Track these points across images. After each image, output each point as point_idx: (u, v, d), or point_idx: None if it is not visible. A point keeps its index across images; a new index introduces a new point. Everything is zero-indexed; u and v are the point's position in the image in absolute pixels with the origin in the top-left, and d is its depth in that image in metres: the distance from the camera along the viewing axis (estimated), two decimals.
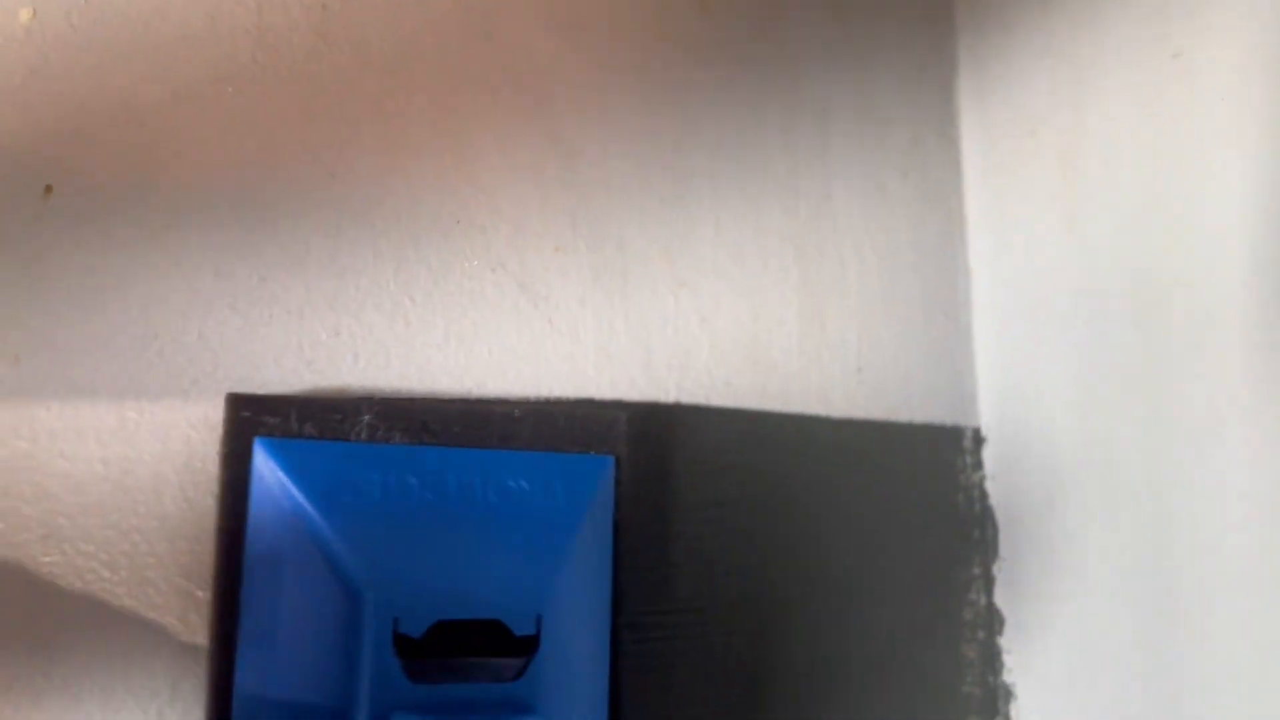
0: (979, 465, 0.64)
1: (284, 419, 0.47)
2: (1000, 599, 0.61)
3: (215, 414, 0.48)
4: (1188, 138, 0.54)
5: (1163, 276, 0.55)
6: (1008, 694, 0.60)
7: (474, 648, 0.45)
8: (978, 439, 0.64)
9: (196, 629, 0.45)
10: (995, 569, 0.62)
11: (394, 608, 0.43)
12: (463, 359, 0.54)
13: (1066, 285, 0.60)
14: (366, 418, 0.48)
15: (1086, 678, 0.57)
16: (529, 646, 0.45)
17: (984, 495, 0.63)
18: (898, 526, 0.61)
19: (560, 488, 0.50)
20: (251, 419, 0.47)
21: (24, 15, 0.48)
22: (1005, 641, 0.60)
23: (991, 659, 0.61)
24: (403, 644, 0.43)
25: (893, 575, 0.61)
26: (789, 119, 0.64)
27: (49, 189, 0.48)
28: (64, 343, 0.47)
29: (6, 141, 0.48)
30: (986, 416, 0.65)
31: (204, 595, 0.46)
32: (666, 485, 0.55)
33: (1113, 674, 0.56)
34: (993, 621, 0.61)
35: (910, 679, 0.60)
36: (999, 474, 0.64)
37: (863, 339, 0.63)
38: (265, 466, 0.46)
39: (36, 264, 0.48)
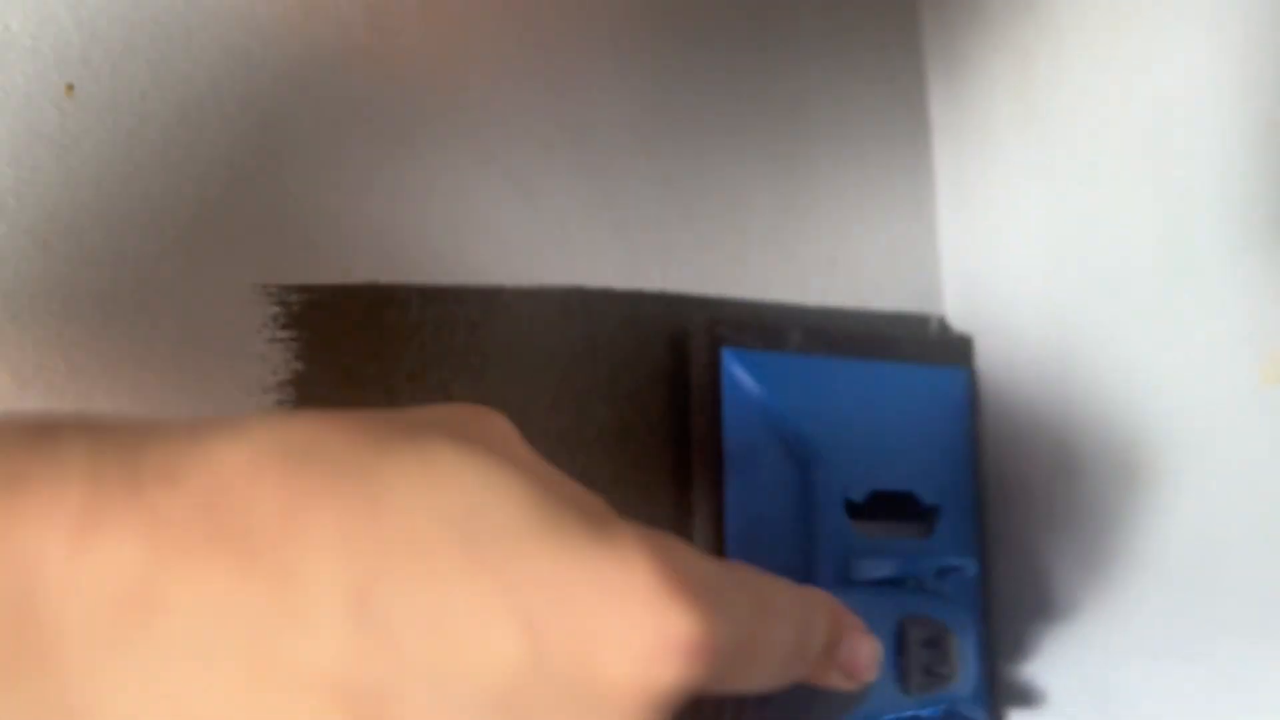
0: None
1: (738, 332, 0.59)
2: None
3: None
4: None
5: (1111, 154, 0.59)
6: None
7: (897, 513, 0.61)
8: (943, 326, 0.69)
9: None
10: None
11: (842, 481, 0.58)
12: (460, 251, 0.58)
13: (1025, 176, 0.64)
14: (796, 335, 0.60)
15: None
16: (934, 513, 0.61)
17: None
18: None
19: (943, 393, 0.64)
20: (720, 334, 0.59)
21: None
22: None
23: None
24: (850, 508, 0.58)
25: None
26: (760, 29, 0.67)
27: (70, 88, 0.52)
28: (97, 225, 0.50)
29: (28, 42, 0.51)
30: (951, 304, 0.69)
31: None
32: None
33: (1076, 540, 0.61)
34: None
35: None
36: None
37: (835, 232, 0.67)
38: (735, 372, 0.58)
39: (59, 160, 0.51)
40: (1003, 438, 0.66)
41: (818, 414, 0.58)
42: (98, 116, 0.52)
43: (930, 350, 0.65)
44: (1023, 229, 0.65)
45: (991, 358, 0.67)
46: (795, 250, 0.66)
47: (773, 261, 0.65)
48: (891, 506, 0.60)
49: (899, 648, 0.51)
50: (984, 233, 0.68)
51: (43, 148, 0.51)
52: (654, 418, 0.60)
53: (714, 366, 0.57)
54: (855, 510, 0.58)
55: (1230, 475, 0.55)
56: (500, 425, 0.35)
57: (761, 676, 0.35)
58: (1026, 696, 0.63)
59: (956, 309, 0.69)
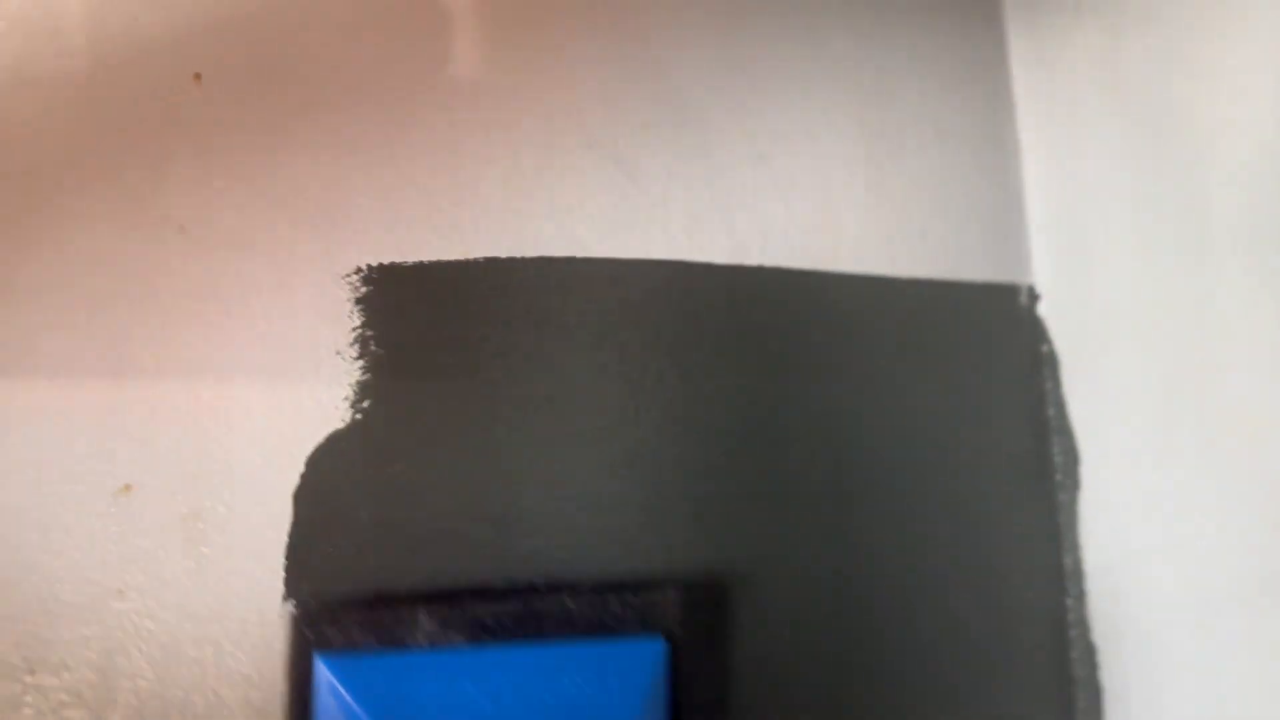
0: (1035, 319, 0.70)
1: (344, 630, 0.49)
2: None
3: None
4: None
5: (1204, 123, 0.60)
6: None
7: None
8: (1032, 295, 0.70)
9: None
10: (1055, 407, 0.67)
11: None
12: (571, 228, 0.59)
13: (1111, 146, 0.65)
14: (424, 621, 0.50)
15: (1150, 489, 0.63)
16: None
17: (1042, 341, 0.69)
18: (962, 373, 0.67)
19: (615, 679, 0.51)
20: (314, 634, 0.49)
21: None
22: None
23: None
24: None
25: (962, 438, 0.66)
26: (848, 6, 0.68)
27: (198, 76, 0.53)
28: (225, 212, 0.52)
29: (158, 32, 0.53)
30: (1040, 274, 0.70)
31: None
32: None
33: (1170, 494, 0.62)
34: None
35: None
36: (1053, 325, 0.69)
37: (924, 205, 0.68)
38: (326, 684, 0.47)
39: (191, 142, 0.53)
40: (1085, 399, 0.67)
41: None
42: (224, 104, 0.53)
43: (616, 618, 0.53)
44: (1111, 197, 0.66)
45: (1073, 323, 0.68)
46: (886, 223, 0.67)
47: (866, 235, 0.66)
48: None
49: None
50: (1072, 202, 0.69)
51: (174, 135, 0.52)
52: None
53: (305, 675, 0.48)
54: None
55: None
56: None
57: None
58: None
59: (1045, 278, 0.70)
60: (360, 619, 0.49)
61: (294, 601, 0.49)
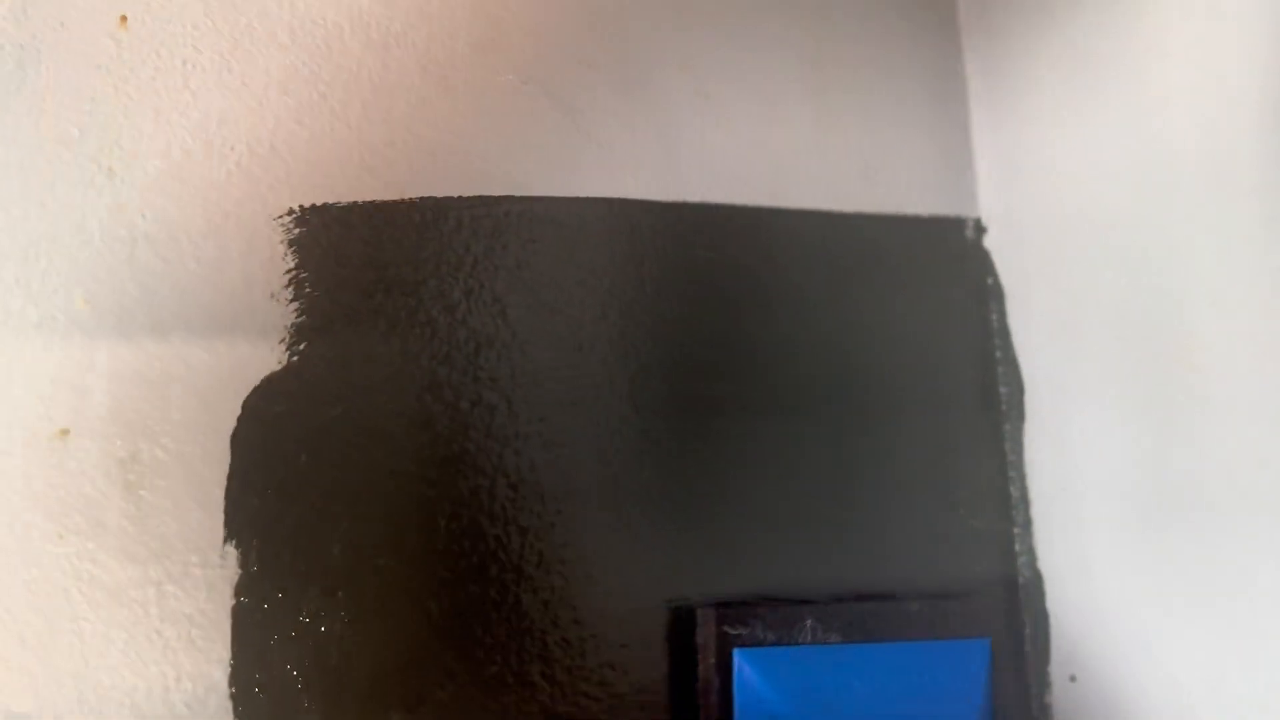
0: (982, 251, 0.70)
1: (751, 628, 0.57)
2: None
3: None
4: None
5: (1144, 55, 0.60)
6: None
7: None
8: (979, 228, 0.70)
9: None
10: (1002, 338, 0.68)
11: None
12: (509, 167, 0.59)
13: (1054, 77, 0.65)
14: (809, 622, 0.58)
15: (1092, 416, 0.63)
16: None
17: (988, 274, 0.69)
18: (910, 306, 0.67)
19: (956, 670, 0.60)
20: (730, 634, 0.56)
21: None
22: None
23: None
24: None
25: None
26: None
27: (124, 18, 0.53)
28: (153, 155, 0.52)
29: None
30: (985, 206, 0.70)
31: None
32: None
33: (1116, 423, 0.62)
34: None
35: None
36: (999, 257, 0.69)
37: (870, 140, 0.68)
38: (747, 675, 0.56)
39: (122, 85, 0.52)
40: (1030, 331, 0.68)
41: (833, 709, 0.56)
42: (151, 46, 0.53)
43: (951, 621, 0.63)
44: (1056, 128, 0.66)
45: (1019, 254, 0.68)
46: (832, 159, 0.67)
47: (811, 169, 0.66)
48: None
49: None
50: (1016, 135, 0.69)
51: (101, 78, 0.52)
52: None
53: (725, 669, 0.56)
54: None
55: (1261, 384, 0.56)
56: None
57: None
58: None
59: (991, 210, 0.70)
60: (763, 618, 0.57)
61: (712, 604, 0.57)
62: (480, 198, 0.58)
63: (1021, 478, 0.67)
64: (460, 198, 0.57)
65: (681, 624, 0.57)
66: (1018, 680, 0.65)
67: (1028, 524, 0.67)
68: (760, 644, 0.56)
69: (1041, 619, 0.66)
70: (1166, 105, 0.59)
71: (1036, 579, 0.66)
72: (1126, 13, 0.61)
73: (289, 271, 0.53)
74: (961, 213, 0.70)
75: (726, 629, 0.56)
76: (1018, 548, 0.67)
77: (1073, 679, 0.64)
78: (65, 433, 0.49)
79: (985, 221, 0.70)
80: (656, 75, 0.63)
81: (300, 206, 0.54)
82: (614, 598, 0.55)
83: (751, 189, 0.65)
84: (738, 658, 0.56)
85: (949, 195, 0.69)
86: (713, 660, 0.55)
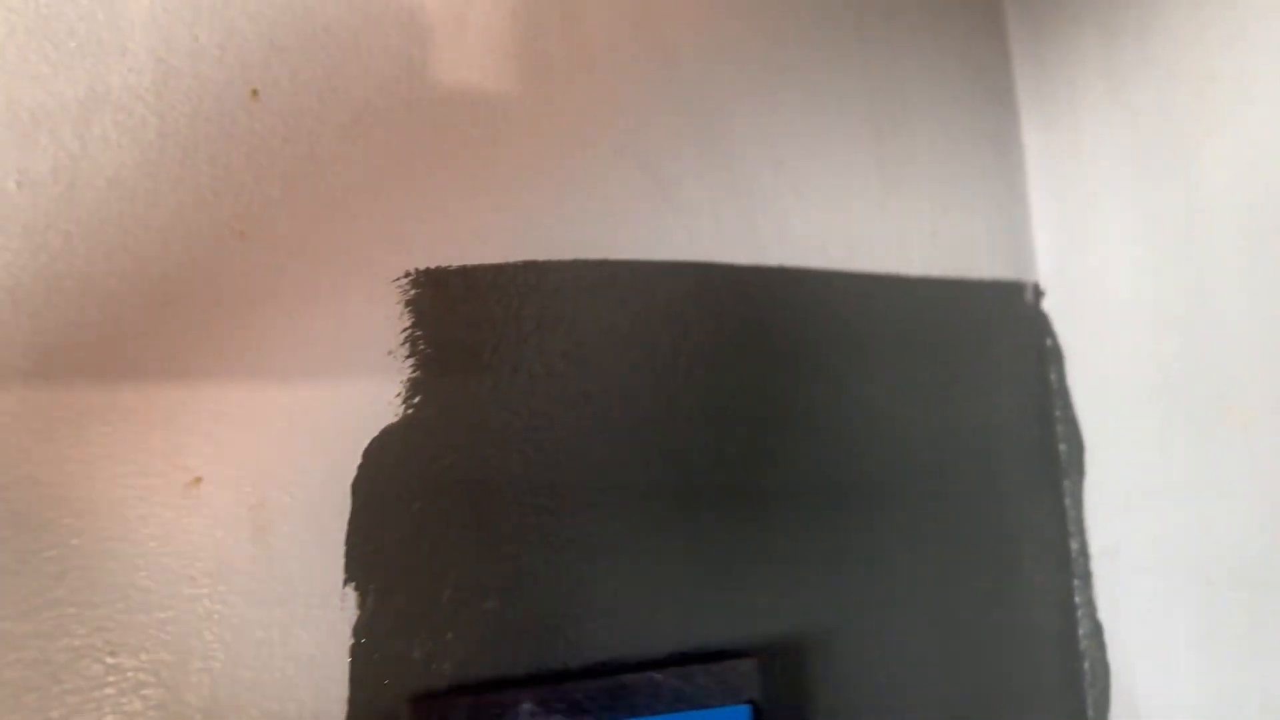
0: (1040, 314, 0.73)
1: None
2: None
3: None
4: None
5: (1199, 125, 0.64)
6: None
7: None
8: (1038, 291, 0.73)
9: None
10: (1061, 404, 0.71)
11: None
12: (603, 232, 0.63)
13: (1111, 148, 0.69)
14: (527, 706, 0.53)
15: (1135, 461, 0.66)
16: None
17: (1047, 335, 0.73)
18: (971, 367, 0.70)
19: None
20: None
21: None
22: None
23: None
24: None
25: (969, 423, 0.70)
26: (859, 18, 0.72)
27: (255, 92, 0.57)
28: (281, 219, 0.56)
29: (217, 52, 0.56)
30: (1044, 271, 0.74)
31: None
32: None
33: (1170, 479, 0.65)
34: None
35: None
36: (1058, 319, 0.73)
37: (934, 206, 0.72)
38: None
39: (249, 154, 0.56)
40: (1088, 391, 0.71)
41: None
42: (280, 118, 0.57)
43: (700, 691, 0.57)
44: (1110, 196, 0.70)
45: (1077, 317, 0.72)
46: (899, 224, 0.71)
47: (880, 234, 0.70)
48: None
49: None
50: (1073, 202, 0.72)
51: (234, 148, 0.56)
52: None
53: None
54: None
55: None
56: None
57: None
58: None
59: (1049, 275, 0.73)
60: (469, 708, 0.52)
61: (409, 698, 0.53)
62: (577, 261, 0.61)
63: (1081, 532, 0.70)
64: (559, 261, 0.61)
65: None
66: None
67: (1087, 577, 0.70)
68: None
69: (1101, 669, 0.68)
70: (1215, 179, 0.63)
71: (1096, 630, 0.69)
72: (1183, 94, 0.65)
73: (405, 330, 0.57)
74: (1021, 277, 0.73)
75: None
76: (1077, 599, 0.70)
77: None
78: (199, 480, 0.52)
79: (1044, 285, 0.73)
80: (738, 147, 0.67)
81: (415, 269, 0.58)
82: None
83: (824, 253, 0.68)
84: None
85: (1009, 260, 0.73)
86: None
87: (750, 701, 0.57)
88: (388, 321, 0.57)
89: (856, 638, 0.64)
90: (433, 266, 0.58)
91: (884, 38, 0.73)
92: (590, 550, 0.59)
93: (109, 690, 0.49)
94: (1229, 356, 0.63)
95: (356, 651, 0.53)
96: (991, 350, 0.72)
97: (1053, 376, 0.73)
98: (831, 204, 0.69)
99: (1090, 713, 0.69)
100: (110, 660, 0.50)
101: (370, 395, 0.56)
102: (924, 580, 0.67)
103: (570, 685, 0.54)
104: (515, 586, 0.57)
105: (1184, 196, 0.65)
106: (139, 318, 0.52)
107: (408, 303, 0.57)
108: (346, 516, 0.54)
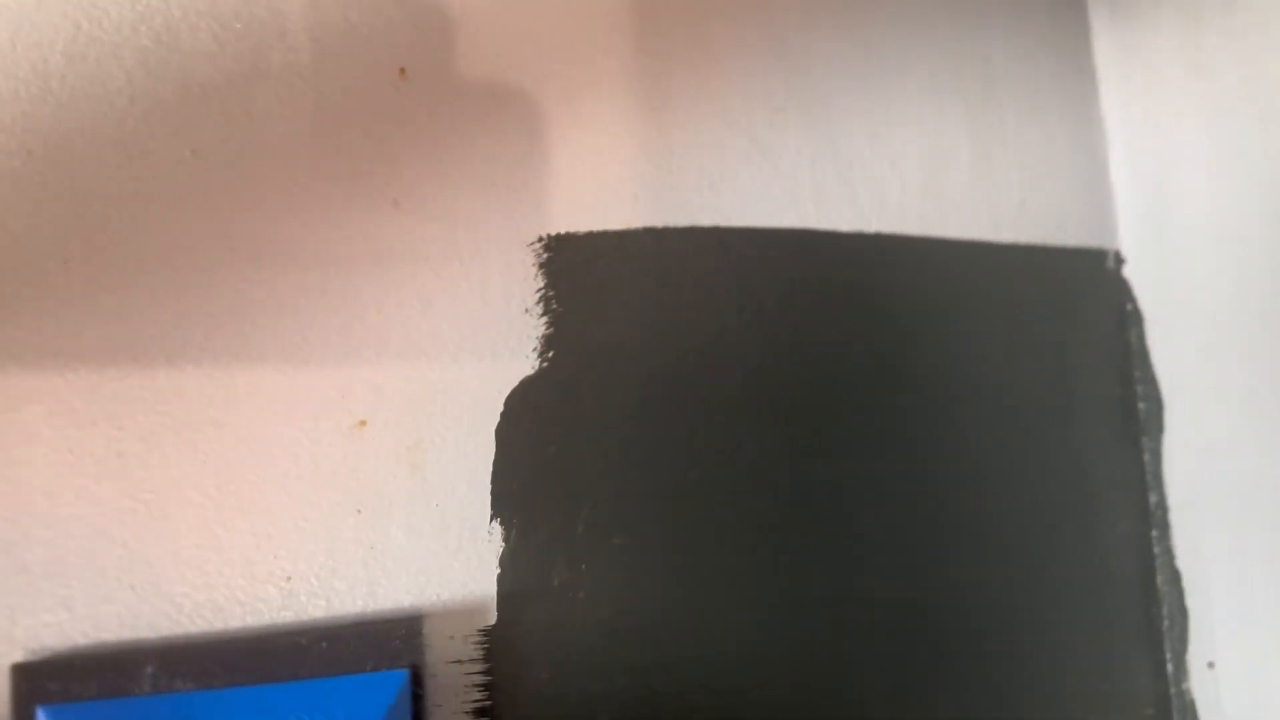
0: (1121, 280, 0.77)
1: (64, 683, 0.48)
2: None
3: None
4: None
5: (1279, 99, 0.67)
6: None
7: None
8: (1119, 259, 0.77)
9: None
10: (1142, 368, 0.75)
11: None
12: (714, 200, 0.67)
13: (1192, 118, 0.72)
14: (150, 669, 0.49)
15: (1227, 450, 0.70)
16: None
17: (1128, 300, 0.76)
18: (1056, 330, 0.74)
19: (346, 715, 0.51)
20: (33, 686, 0.47)
21: None
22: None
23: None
24: None
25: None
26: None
27: (402, 70, 0.62)
28: (429, 187, 0.61)
29: (367, 32, 0.61)
30: (1125, 239, 0.78)
31: None
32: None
33: (1248, 435, 0.69)
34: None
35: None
36: (1138, 284, 0.77)
37: (1022, 176, 0.76)
38: None
39: (398, 127, 0.61)
40: (1167, 352, 0.75)
41: None
42: (426, 94, 0.62)
43: (352, 655, 0.53)
44: (1192, 166, 0.73)
45: (1156, 282, 0.75)
46: (989, 193, 0.75)
47: (970, 204, 0.74)
48: None
49: None
50: (1154, 172, 0.76)
51: (385, 121, 0.61)
52: None
53: None
54: None
55: None
56: None
57: None
58: None
59: (1130, 243, 0.77)
60: (83, 672, 0.48)
61: (18, 656, 0.50)
62: (692, 228, 0.66)
63: (1160, 485, 0.74)
64: (675, 228, 0.66)
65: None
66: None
67: (1165, 528, 0.74)
68: (79, 698, 0.48)
69: (1179, 613, 0.72)
70: None
71: (1175, 577, 0.73)
72: (1268, 70, 0.68)
73: (539, 290, 0.62)
74: (1103, 244, 0.77)
75: (27, 685, 0.47)
76: (1156, 549, 0.74)
77: (1211, 666, 0.70)
78: (363, 424, 0.58)
79: (1124, 252, 0.77)
80: (837, 119, 0.71)
81: (547, 234, 0.62)
82: None
83: (920, 221, 0.72)
84: (41, 716, 0.47)
85: (1092, 229, 0.77)
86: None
87: (413, 664, 0.56)
88: (525, 282, 0.62)
89: (949, 583, 0.69)
90: (563, 232, 0.63)
91: (972, 16, 0.76)
92: (703, 498, 0.64)
93: (286, 614, 0.55)
94: None
95: (501, 580, 0.59)
96: (1074, 314, 0.76)
97: (1133, 339, 0.76)
98: (925, 174, 0.73)
99: (1169, 654, 0.73)
100: (286, 584, 0.55)
101: (510, 348, 0.61)
102: (1007, 532, 0.71)
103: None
104: (638, 525, 0.62)
105: (1265, 167, 0.68)
106: (306, 276, 0.58)
107: (541, 265, 0.62)
108: (491, 459, 0.59)
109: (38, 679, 0.48)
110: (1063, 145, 0.77)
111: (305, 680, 0.52)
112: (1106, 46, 0.79)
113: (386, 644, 0.55)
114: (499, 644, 0.58)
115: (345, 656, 0.54)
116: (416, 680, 0.56)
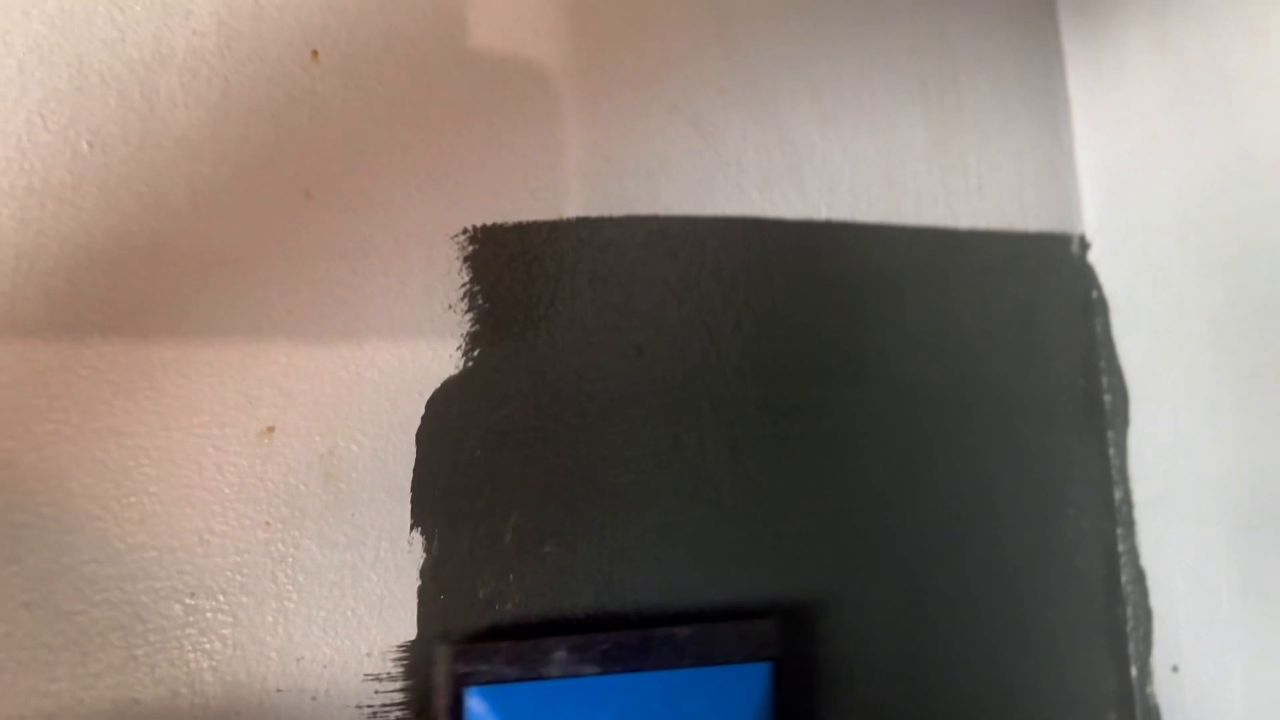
0: (1086, 266, 0.74)
1: (493, 665, 0.53)
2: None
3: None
4: None
5: (1245, 81, 0.64)
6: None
7: None
8: (1083, 244, 0.74)
9: None
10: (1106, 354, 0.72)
11: None
12: (653, 188, 0.64)
13: (1157, 100, 0.69)
14: (559, 654, 0.54)
15: (1190, 438, 0.67)
16: None
17: (1093, 287, 0.73)
18: (1018, 319, 0.71)
19: (726, 700, 0.56)
20: (467, 672, 0.53)
21: None
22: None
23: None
24: None
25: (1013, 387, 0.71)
26: None
27: (315, 53, 0.58)
28: (343, 178, 0.57)
29: (278, 14, 0.58)
30: (1090, 223, 0.74)
31: None
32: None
33: (1216, 429, 0.66)
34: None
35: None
36: (1103, 271, 0.73)
37: (981, 160, 0.72)
38: (480, 712, 0.53)
39: (311, 114, 0.58)
40: (1134, 342, 0.72)
41: None
42: (340, 78, 0.58)
43: (724, 646, 0.57)
44: (1159, 146, 0.70)
45: (1122, 269, 0.72)
46: (947, 179, 0.71)
47: (926, 189, 0.70)
48: None
49: None
50: (1119, 155, 0.72)
51: (296, 108, 0.57)
52: None
53: (456, 711, 0.52)
54: None
55: None
56: None
57: None
58: None
59: (1095, 228, 0.74)
60: (504, 654, 0.54)
61: (446, 641, 0.55)
62: (629, 217, 0.63)
63: (1125, 481, 0.71)
64: (610, 218, 0.62)
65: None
66: (810, 701, 0.62)
67: (1131, 525, 0.71)
68: (502, 681, 0.53)
69: (1144, 614, 0.69)
70: (1266, 132, 0.63)
71: (1139, 576, 0.70)
72: (1233, 47, 0.65)
73: (463, 285, 0.58)
74: (1067, 229, 0.73)
75: (461, 667, 0.53)
76: (1121, 547, 0.71)
77: (1175, 669, 0.67)
78: (271, 430, 0.54)
79: (1089, 237, 0.74)
80: (784, 102, 0.68)
81: (472, 226, 0.59)
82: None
83: (871, 207, 0.69)
84: (471, 698, 0.53)
85: (1055, 213, 0.74)
86: (446, 701, 0.53)
87: (771, 659, 0.58)
88: (447, 277, 0.58)
89: (905, 582, 0.66)
90: (489, 223, 0.60)
91: None
92: (640, 500, 0.61)
93: (190, 630, 0.52)
94: (1277, 307, 0.63)
95: (423, 592, 0.56)
96: (1037, 302, 0.73)
97: (1098, 328, 0.73)
98: (879, 159, 0.70)
99: (1133, 654, 0.70)
100: (190, 601, 0.52)
101: (432, 348, 0.57)
102: (966, 530, 0.68)
103: (601, 636, 0.56)
104: (570, 531, 0.59)
105: (1232, 150, 0.65)
106: (210, 275, 0.55)
107: (466, 259, 0.59)
108: (412, 464, 0.56)
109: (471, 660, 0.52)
110: (1024, 127, 0.74)
111: None
112: (1072, 22, 0.76)
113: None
114: (418, 659, 0.55)
115: None
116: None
